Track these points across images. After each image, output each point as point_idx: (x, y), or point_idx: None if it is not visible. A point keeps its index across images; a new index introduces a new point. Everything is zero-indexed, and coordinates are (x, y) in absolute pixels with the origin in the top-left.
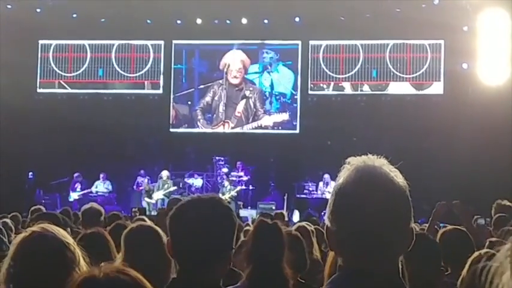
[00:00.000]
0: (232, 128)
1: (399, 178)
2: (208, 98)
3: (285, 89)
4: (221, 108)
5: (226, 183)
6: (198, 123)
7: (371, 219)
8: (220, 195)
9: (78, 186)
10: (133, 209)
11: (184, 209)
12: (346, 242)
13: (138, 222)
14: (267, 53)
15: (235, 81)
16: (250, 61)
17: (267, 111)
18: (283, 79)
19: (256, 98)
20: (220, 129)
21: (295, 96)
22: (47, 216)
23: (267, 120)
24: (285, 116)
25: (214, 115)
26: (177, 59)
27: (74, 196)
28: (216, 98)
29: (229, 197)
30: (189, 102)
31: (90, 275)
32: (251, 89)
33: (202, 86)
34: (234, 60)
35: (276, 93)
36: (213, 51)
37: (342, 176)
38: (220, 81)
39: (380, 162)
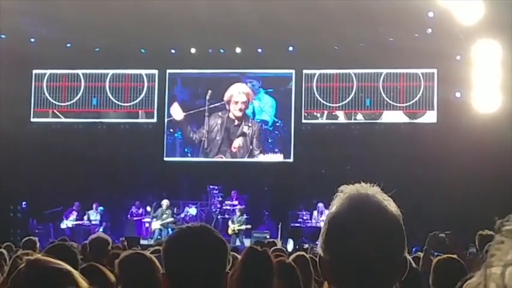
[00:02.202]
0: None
1: (392, 207)
2: (205, 130)
3: (266, 117)
4: (217, 142)
5: (238, 212)
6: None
7: (364, 249)
8: (229, 223)
9: (73, 215)
10: (121, 238)
11: (176, 241)
12: (339, 271)
13: (132, 250)
14: (249, 82)
15: (238, 114)
16: (252, 92)
17: (264, 151)
18: (265, 107)
19: (253, 135)
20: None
21: (277, 124)
22: (59, 248)
23: (249, 159)
24: (279, 157)
25: (210, 148)
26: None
27: (67, 224)
28: (213, 131)
29: (238, 229)
30: (171, 130)
31: None
32: (249, 124)
33: (184, 114)
34: (238, 94)
35: (258, 121)
36: (195, 78)
37: (335, 205)
38: (220, 113)
39: (373, 191)
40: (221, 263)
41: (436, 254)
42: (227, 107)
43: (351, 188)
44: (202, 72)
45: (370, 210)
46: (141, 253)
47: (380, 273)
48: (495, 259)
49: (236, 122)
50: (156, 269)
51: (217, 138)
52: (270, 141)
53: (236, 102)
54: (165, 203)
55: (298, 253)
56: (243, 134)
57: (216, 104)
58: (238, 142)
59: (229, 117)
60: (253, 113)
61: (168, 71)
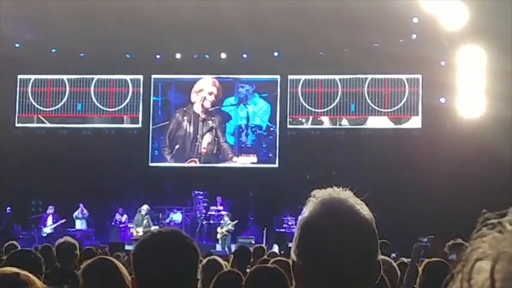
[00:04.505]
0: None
1: (365, 210)
2: (171, 130)
3: (260, 121)
4: (187, 142)
5: (226, 218)
6: (166, 157)
7: (337, 253)
8: (218, 228)
9: (50, 219)
10: (102, 245)
11: (145, 246)
12: (312, 276)
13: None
14: (242, 86)
15: (208, 105)
16: (224, 91)
17: (235, 144)
18: (259, 111)
19: (217, 127)
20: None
21: (271, 129)
22: (21, 254)
23: (234, 164)
24: (253, 159)
25: (182, 151)
26: (153, 91)
27: (47, 231)
28: (180, 131)
29: (226, 231)
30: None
31: None
32: (213, 118)
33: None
34: (210, 86)
35: (252, 126)
36: (189, 83)
37: (307, 209)
38: (185, 108)
39: (345, 195)
40: (191, 269)
41: (422, 259)
42: (193, 99)
43: (323, 193)
44: (197, 78)
45: (343, 214)
46: (107, 259)
47: (353, 278)
48: (474, 253)
49: (202, 116)
50: (123, 275)
51: (186, 135)
52: (264, 146)
53: (210, 93)
54: (144, 208)
55: (277, 258)
56: (210, 129)
57: (211, 108)
58: (206, 140)
59: (194, 111)
60: (248, 118)
61: (153, 76)
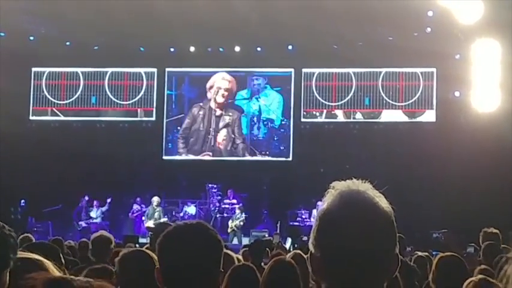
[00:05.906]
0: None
1: (384, 203)
2: (187, 124)
3: (273, 115)
4: (201, 136)
5: (238, 211)
6: (179, 151)
7: (355, 245)
8: (229, 222)
9: (83, 212)
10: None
11: (171, 237)
12: (330, 268)
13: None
14: (256, 79)
15: (221, 100)
16: (237, 84)
17: (247, 137)
18: (271, 105)
19: (234, 124)
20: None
21: (283, 122)
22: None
23: (248, 157)
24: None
25: (195, 144)
26: (167, 85)
27: (82, 224)
28: (195, 125)
29: (235, 225)
30: (179, 128)
31: None
32: (230, 114)
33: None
34: (221, 80)
35: (264, 119)
36: (202, 77)
37: (326, 201)
38: (201, 104)
39: (364, 187)
40: (215, 261)
41: (435, 252)
42: (209, 95)
43: (342, 184)
44: (209, 71)
45: (362, 206)
46: (142, 250)
47: (371, 270)
48: None
49: (218, 112)
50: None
51: (201, 129)
52: (275, 139)
53: (219, 88)
54: (155, 199)
55: (295, 251)
56: (227, 125)
57: (224, 102)
58: (222, 135)
59: (210, 107)
60: (260, 111)
61: (167, 69)
